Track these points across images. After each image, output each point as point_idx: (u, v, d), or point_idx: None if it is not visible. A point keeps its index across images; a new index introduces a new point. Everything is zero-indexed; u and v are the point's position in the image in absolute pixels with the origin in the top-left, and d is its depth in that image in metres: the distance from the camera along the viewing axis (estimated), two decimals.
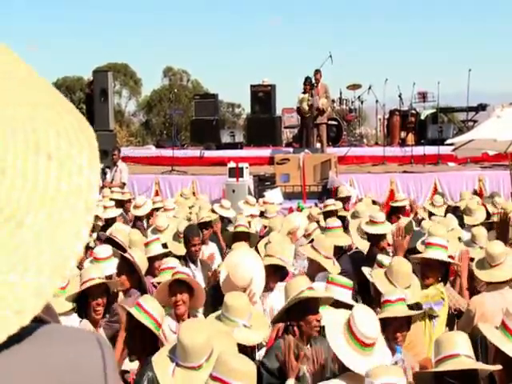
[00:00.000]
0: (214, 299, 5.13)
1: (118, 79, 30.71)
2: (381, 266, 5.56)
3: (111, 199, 10.33)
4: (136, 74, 34.61)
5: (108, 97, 17.88)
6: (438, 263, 5.58)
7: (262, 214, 9.27)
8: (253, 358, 4.18)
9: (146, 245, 6.41)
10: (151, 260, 6.11)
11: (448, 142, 14.38)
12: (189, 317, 4.79)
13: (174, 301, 4.78)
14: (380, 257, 5.83)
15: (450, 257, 5.93)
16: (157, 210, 10.24)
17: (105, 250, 6.19)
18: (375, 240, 7.04)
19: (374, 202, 10.36)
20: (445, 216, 8.36)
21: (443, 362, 3.49)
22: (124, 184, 13.80)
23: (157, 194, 15.14)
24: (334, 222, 7.29)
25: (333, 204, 9.37)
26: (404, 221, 7.71)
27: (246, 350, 4.04)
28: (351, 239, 7.37)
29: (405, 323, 4.27)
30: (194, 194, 14.07)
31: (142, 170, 16.92)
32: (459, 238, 7.18)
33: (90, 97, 18.06)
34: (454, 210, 8.59)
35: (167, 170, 16.60)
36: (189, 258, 6.76)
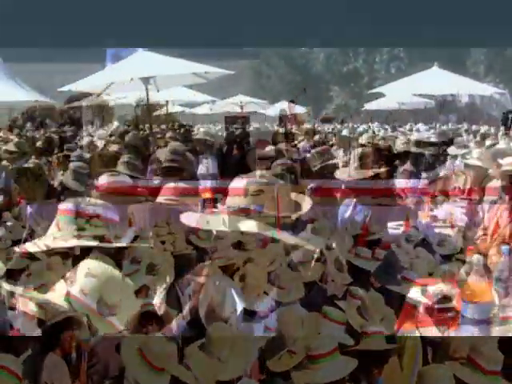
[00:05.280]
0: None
1: None
2: (354, 296, 5.55)
3: None
4: None
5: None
6: None
7: (238, 245, 9.14)
8: None
9: (127, 276, 6.31)
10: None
11: (422, 175, 14.49)
12: None
13: (145, 332, 4.80)
14: (352, 288, 5.82)
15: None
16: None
17: None
18: (360, 276, 6.91)
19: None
20: (414, 248, 8.38)
21: None
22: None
23: (130, 224, 14.99)
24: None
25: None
26: (381, 253, 7.74)
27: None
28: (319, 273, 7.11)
29: (381, 357, 4.26)
30: (167, 223, 13.97)
31: (116, 201, 16.78)
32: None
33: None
34: (423, 242, 8.60)
35: (141, 201, 16.47)
36: (178, 287, 6.62)
